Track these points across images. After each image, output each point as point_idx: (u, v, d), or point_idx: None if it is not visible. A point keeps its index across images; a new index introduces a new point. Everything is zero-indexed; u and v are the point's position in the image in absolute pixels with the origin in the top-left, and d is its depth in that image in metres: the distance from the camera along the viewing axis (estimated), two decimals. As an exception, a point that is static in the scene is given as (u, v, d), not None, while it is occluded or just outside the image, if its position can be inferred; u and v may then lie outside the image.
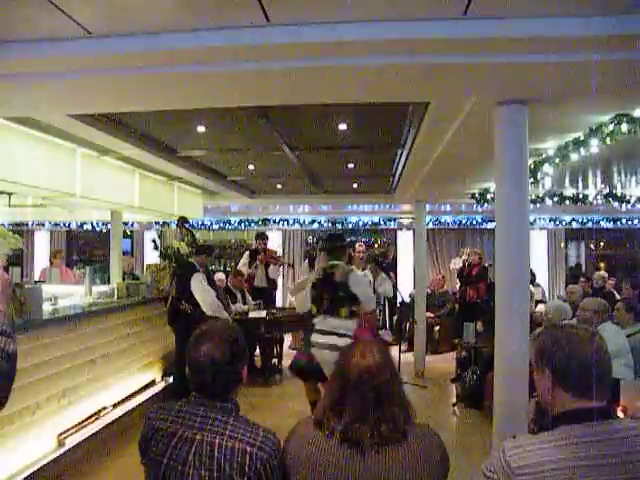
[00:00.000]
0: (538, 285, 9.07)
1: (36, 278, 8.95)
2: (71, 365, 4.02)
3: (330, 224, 11.13)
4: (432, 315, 8.24)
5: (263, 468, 1.52)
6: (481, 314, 6.81)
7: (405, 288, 9.42)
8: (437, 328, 8.31)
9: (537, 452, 1.33)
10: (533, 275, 8.39)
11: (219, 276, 6.81)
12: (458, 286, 8.68)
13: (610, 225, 10.81)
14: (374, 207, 10.42)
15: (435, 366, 7.24)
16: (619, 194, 6.69)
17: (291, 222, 11.13)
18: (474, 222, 10.87)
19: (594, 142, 3.70)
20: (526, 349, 2.84)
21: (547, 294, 9.99)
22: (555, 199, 6.79)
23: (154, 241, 6.55)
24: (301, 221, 11.14)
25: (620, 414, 2.70)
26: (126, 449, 4.06)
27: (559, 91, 2.96)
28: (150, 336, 5.50)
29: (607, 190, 6.59)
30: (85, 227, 11.50)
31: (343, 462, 1.50)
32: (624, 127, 3.38)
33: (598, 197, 6.74)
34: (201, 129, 4.53)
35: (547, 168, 4.56)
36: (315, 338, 4.01)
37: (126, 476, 3.53)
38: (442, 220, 10.91)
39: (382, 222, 11.13)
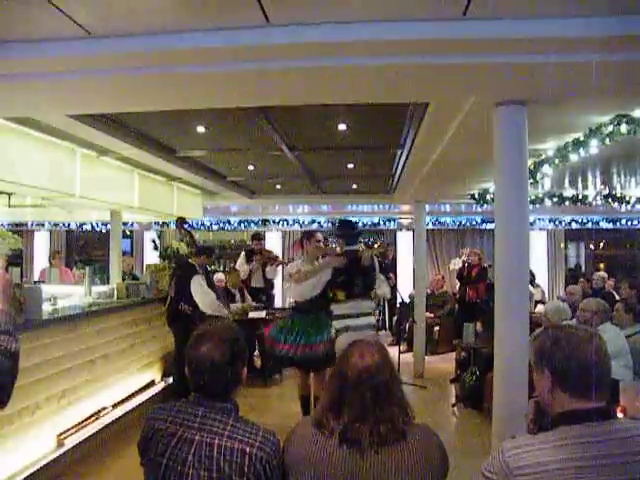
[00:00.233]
0: (538, 286, 9.07)
1: (36, 278, 8.95)
2: (71, 365, 4.02)
3: (330, 224, 11.13)
4: (432, 315, 8.24)
5: (262, 469, 1.52)
6: (481, 314, 6.82)
7: (405, 288, 9.43)
8: (437, 328, 8.31)
9: (536, 452, 1.34)
10: (533, 276, 8.40)
11: (218, 276, 6.80)
12: (458, 286, 8.68)
13: (610, 226, 10.81)
14: (374, 207, 10.43)
15: (434, 366, 7.24)
16: (619, 195, 6.69)
17: (291, 222, 11.12)
18: (474, 222, 10.88)
19: (594, 143, 3.70)
20: (525, 350, 2.84)
21: (547, 295, 10.00)
22: (555, 200, 6.80)
23: (154, 241, 6.56)
24: (301, 221, 11.14)
25: (619, 415, 2.70)
26: (126, 449, 4.06)
27: (559, 92, 2.96)
28: (150, 336, 5.50)
29: (607, 191, 6.59)
30: (85, 227, 11.49)
31: (342, 462, 1.50)
32: (623, 128, 3.38)
33: (598, 198, 6.74)
34: (200, 129, 4.54)
35: (547, 169, 4.56)
36: (352, 322, 4.10)
37: (126, 476, 3.53)
38: (442, 220, 10.91)
39: (382, 222, 11.13)
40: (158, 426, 1.62)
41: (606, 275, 8.14)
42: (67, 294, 5.18)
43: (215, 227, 11.45)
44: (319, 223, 11.14)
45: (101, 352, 4.48)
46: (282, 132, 4.62)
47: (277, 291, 10.10)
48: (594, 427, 1.35)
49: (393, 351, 6.39)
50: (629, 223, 10.73)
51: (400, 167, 5.83)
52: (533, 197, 6.72)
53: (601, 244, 11.76)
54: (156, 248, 6.50)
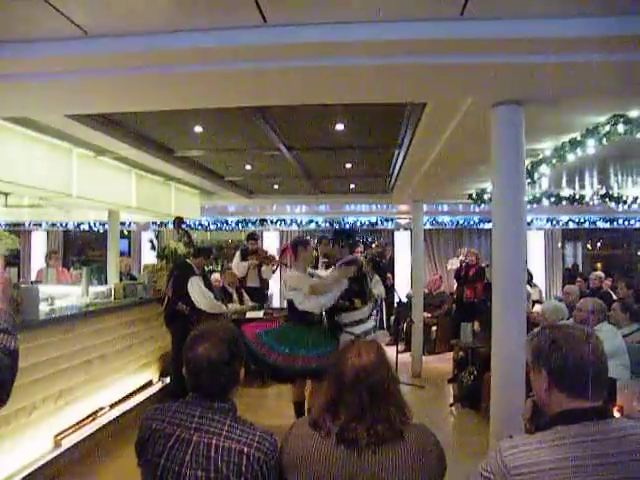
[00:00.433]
0: (535, 285, 9.08)
1: (33, 278, 8.92)
2: (68, 365, 4.01)
3: (328, 224, 11.13)
4: (429, 315, 8.24)
5: (260, 469, 1.52)
6: (478, 314, 6.83)
7: (402, 288, 9.44)
8: (434, 328, 8.32)
9: (533, 452, 1.34)
10: (530, 275, 8.41)
11: (215, 276, 6.79)
12: (455, 286, 8.68)
13: (607, 225, 10.82)
14: (371, 207, 10.42)
15: (432, 366, 7.25)
16: (616, 194, 6.70)
17: (288, 222, 11.12)
18: (471, 222, 10.88)
19: (591, 143, 3.71)
20: (523, 349, 2.84)
21: (544, 294, 10.00)
22: (552, 199, 6.81)
23: (151, 241, 6.55)
24: (298, 221, 11.14)
25: (617, 414, 2.71)
26: (123, 450, 4.04)
27: (556, 92, 2.96)
28: (147, 336, 5.49)
29: (604, 190, 6.60)
30: (82, 227, 11.46)
31: (340, 462, 1.51)
32: (620, 128, 3.39)
33: (595, 197, 6.75)
34: (198, 129, 4.53)
35: (544, 168, 4.57)
36: (364, 327, 4.32)
37: (123, 477, 3.51)
38: (439, 220, 10.91)
39: (379, 222, 11.13)
40: (155, 426, 1.62)
41: (603, 275, 8.14)
42: (64, 294, 5.16)
43: (213, 227, 11.43)
44: (317, 223, 11.14)
45: (98, 352, 4.47)
46: (280, 132, 4.62)
47: (275, 291, 10.12)
48: (591, 427, 1.35)
49: (391, 351, 6.39)
50: (626, 223, 10.74)
51: (398, 167, 5.83)
52: (530, 197, 6.74)
53: (598, 244, 11.78)
54: (154, 248, 6.49)
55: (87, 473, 3.80)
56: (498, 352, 3.06)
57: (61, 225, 11.50)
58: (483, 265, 8.06)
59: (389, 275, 9.57)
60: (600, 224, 10.78)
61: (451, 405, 5.58)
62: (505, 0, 2.12)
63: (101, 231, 11.05)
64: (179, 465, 1.53)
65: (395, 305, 8.95)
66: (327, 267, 4.95)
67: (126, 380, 4.97)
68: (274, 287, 10.09)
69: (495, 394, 3.08)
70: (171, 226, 9.54)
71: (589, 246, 11.75)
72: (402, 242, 10.98)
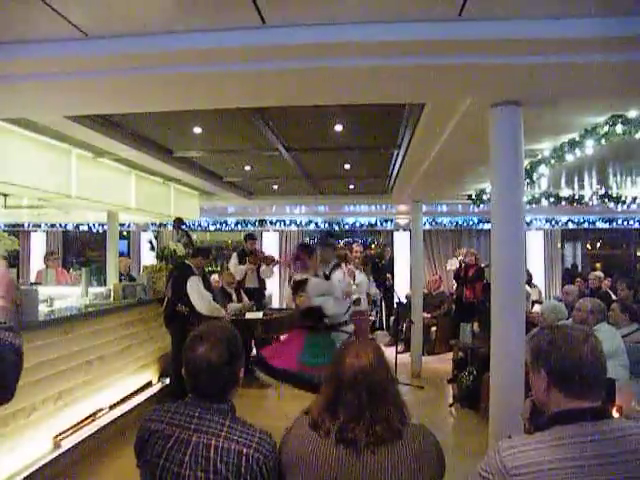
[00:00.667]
0: (534, 285, 9.08)
1: (32, 279, 8.91)
2: (67, 367, 4.01)
3: (327, 225, 11.13)
4: (429, 316, 8.24)
5: (259, 470, 1.52)
6: (478, 315, 6.82)
7: (402, 289, 9.44)
8: (434, 329, 8.32)
9: (532, 452, 1.34)
10: (529, 276, 8.41)
11: (214, 277, 6.79)
12: (455, 287, 8.68)
13: (606, 225, 10.83)
14: (371, 208, 10.42)
15: (432, 367, 7.25)
16: (615, 195, 6.71)
17: (288, 223, 11.12)
18: (470, 223, 10.89)
19: (589, 143, 3.71)
20: (522, 350, 2.85)
21: (543, 294, 10.01)
22: (551, 200, 6.81)
23: (150, 242, 6.54)
24: (298, 222, 11.14)
25: (615, 414, 2.71)
26: (123, 451, 4.04)
27: (555, 92, 2.97)
28: (147, 337, 5.48)
29: (603, 191, 6.61)
30: (81, 228, 11.46)
31: (338, 462, 1.51)
32: (619, 128, 3.40)
33: (594, 198, 6.76)
34: (197, 130, 4.53)
35: (543, 169, 4.57)
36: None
37: (123, 478, 3.52)
38: (439, 221, 10.92)
39: (379, 223, 11.14)
40: (154, 427, 1.62)
41: (602, 275, 8.14)
42: (64, 295, 5.17)
43: (212, 228, 11.43)
44: (316, 224, 11.14)
45: (98, 353, 4.47)
46: (279, 133, 4.62)
47: (274, 292, 10.13)
48: (589, 427, 1.35)
49: (390, 351, 6.39)
50: (625, 223, 10.75)
51: (397, 168, 5.84)
52: (530, 197, 6.74)
53: (597, 244, 11.79)
54: (153, 249, 6.47)
55: (87, 474, 3.80)
56: (497, 352, 3.06)
57: (60, 226, 11.50)
58: (482, 265, 8.06)
59: (388, 276, 9.59)
60: (599, 224, 10.79)
61: (450, 405, 5.58)
62: (504, 0, 2.12)
63: (100, 232, 11.05)
64: (178, 466, 1.53)
65: (395, 305, 8.95)
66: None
67: (126, 381, 4.96)
68: (274, 287, 10.11)
69: (494, 394, 3.09)
70: (170, 227, 9.55)
71: (588, 246, 11.75)
72: (401, 243, 10.98)
